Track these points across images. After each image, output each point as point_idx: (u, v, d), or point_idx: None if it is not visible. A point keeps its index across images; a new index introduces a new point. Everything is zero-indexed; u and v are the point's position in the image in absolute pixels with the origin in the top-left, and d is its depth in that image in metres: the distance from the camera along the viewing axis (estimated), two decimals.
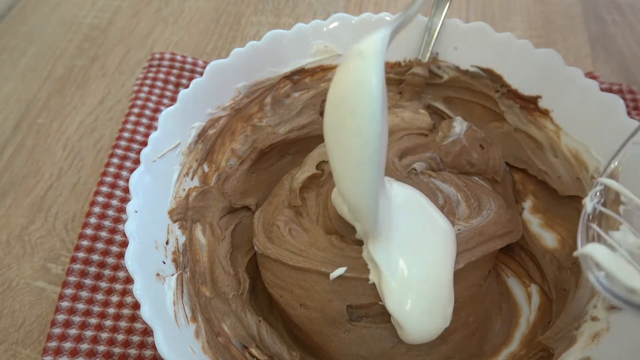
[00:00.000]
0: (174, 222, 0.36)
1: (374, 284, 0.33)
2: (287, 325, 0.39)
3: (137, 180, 0.33)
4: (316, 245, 0.36)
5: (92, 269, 0.42)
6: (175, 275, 0.33)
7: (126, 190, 0.46)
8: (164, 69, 0.56)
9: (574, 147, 0.39)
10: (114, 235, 0.44)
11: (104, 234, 0.44)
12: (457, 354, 0.36)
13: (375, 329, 0.34)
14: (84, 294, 0.40)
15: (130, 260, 0.30)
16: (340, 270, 0.34)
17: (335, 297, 0.34)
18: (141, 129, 0.51)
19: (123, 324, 0.39)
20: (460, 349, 0.36)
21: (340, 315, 0.34)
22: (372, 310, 0.34)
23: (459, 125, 0.43)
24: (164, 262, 0.33)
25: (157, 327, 0.28)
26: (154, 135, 0.35)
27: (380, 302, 0.33)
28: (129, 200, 0.33)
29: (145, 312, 0.28)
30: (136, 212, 0.32)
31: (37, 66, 0.60)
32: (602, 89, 0.38)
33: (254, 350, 0.34)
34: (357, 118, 0.27)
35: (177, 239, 0.35)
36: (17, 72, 0.59)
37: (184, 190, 0.37)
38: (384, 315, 0.33)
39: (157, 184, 0.35)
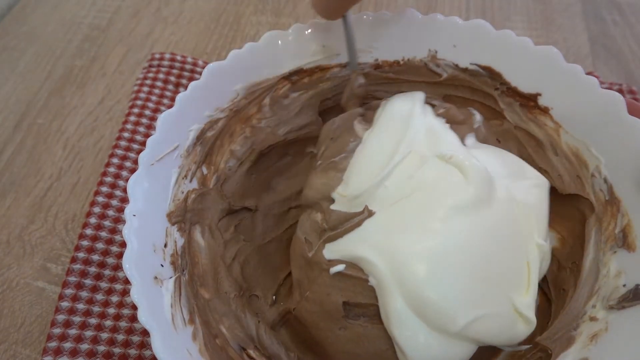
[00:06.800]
0: (173, 224, 0.35)
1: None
2: (286, 323, 0.39)
3: (135, 184, 0.33)
4: None
5: (92, 269, 0.42)
6: (173, 278, 0.33)
7: (126, 190, 0.46)
8: (164, 69, 0.56)
9: (574, 145, 0.39)
10: (114, 236, 0.44)
11: (104, 234, 0.44)
12: None
13: (372, 329, 0.34)
14: (84, 294, 0.41)
15: (128, 263, 0.30)
16: (340, 267, 0.34)
17: (333, 291, 0.34)
18: (141, 129, 0.51)
19: (123, 324, 0.40)
20: None
21: (336, 310, 0.34)
22: (369, 310, 0.34)
23: (478, 115, 0.43)
24: (162, 265, 0.33)
25: (154, 330, 0.28)
26: (152, 139, 0.35)
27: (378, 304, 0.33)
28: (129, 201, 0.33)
29: (142, 316, 0.28)
30: (134, 215, 0.32)
31: (36, 66, 0.60)
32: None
33: (252, 352, 0.34)
34: None
35: (175, 242, 0.35)
36: (17, 72, 0.59)
37: (183, 192, 0.37)
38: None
39: (155, 187, 0.35)
